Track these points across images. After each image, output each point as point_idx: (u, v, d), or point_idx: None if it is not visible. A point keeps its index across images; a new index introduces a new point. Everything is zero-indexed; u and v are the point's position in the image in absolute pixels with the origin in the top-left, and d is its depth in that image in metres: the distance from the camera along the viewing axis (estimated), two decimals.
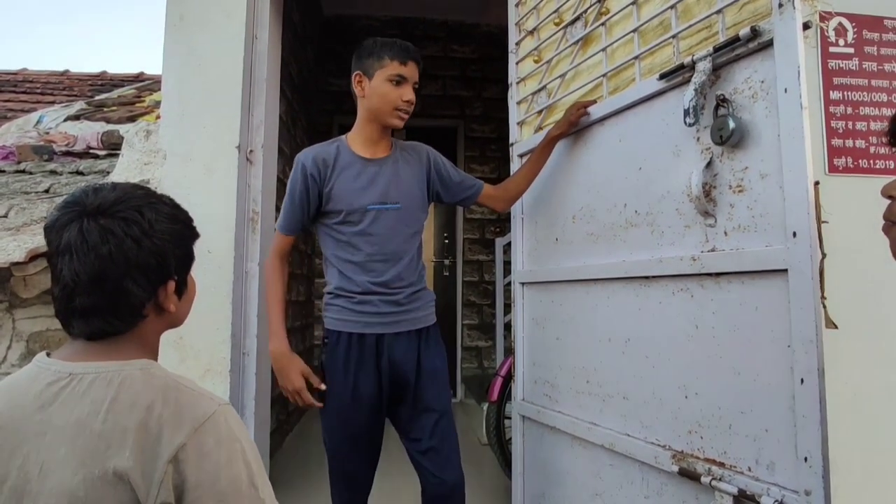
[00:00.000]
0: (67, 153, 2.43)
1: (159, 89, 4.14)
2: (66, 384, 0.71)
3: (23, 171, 2.19)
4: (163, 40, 1.87)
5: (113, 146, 2.50)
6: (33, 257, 1.46)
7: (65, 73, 4.96)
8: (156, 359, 0.80)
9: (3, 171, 2.19)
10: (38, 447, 0.69)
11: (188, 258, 0.86)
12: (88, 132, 2.65)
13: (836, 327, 1.73)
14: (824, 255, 1.78)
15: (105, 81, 4.72)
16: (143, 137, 1.85)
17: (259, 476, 0.74)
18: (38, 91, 4.36)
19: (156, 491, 0.66)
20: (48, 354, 0.76)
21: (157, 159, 1.82)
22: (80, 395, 0.70)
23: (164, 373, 0.75)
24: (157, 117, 3.03)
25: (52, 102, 3.89)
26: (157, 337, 0.82)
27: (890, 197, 0.91)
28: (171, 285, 0.79)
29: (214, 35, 1.89)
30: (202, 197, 1.76)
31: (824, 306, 1.74)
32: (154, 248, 0.76)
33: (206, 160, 1.82)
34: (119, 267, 0.74)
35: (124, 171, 1.83)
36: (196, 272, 1.74)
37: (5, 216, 1.68)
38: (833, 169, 1.91)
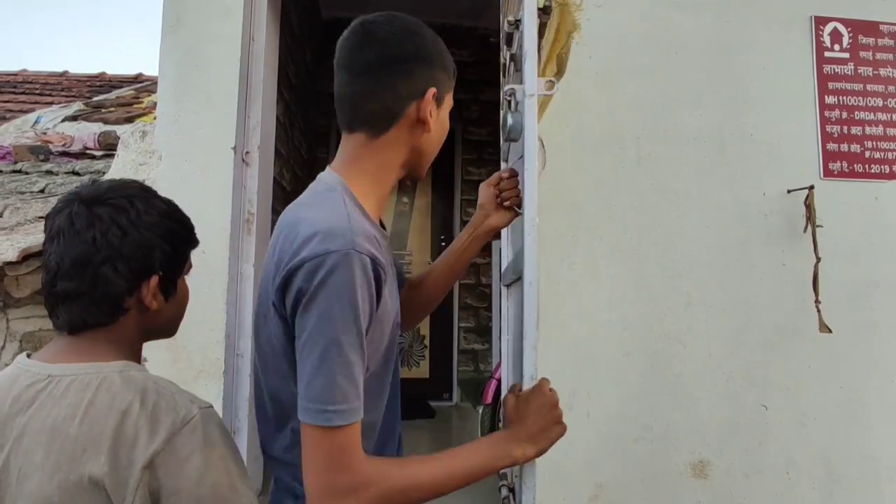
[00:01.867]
0: (64, 153, 2.44)
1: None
2: (44, 386, 0.70)
3: (19, 171, 2.19)
4: (159, 41, 1.88)
5: (109, 147, 2.51)
6: (26, 257, 1.46)
7: (64, 73, 4.97)
8: (138, 361, 0.78)
9: (0, 172, 2.20)
10: (17, 451, 0.68)
11: (179, 259, 0.83)
12: (85, 133, 2.65)
13: (829, 331, 1.73)
14: (819, 259, 1.78)
15: (104, 82, 4.72)
16: (139, 138, 1.85)
17: (240, 481, 0.71)
18: (37, 92, 4.37)
19: (131, 498, 0.65)
20: (28, 356, 0.75)
21: (152, 160, 1.82)
22: (57, 398, 0.69)
23: (145, 375, 0.74)
24: (155, 118, 3.04)
25: (51, 103, 3.89)
26: (139, 338, 0.80)
27: None
28: (155, 280, 0.77)
29: (211, 36, 1.89)
30: (197, 198, 1.76)
31: (818, 310, 1.75)
32: (140, 239, 0.75)
33: (202, 161, 1.82)
34: (101, 253, 0.73)
35: (119, 171, 1.83)
36: (191, 272, 1.72)
37: (0, 215, 1.68)
38: (828, 173, 1.92)
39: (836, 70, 1.99)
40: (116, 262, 0.73)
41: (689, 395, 1.76)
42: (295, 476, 0.73)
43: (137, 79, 4.74)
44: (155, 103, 3.76)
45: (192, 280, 1.92)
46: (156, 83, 5.02)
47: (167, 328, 0.85)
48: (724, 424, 1.76)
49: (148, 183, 1.79)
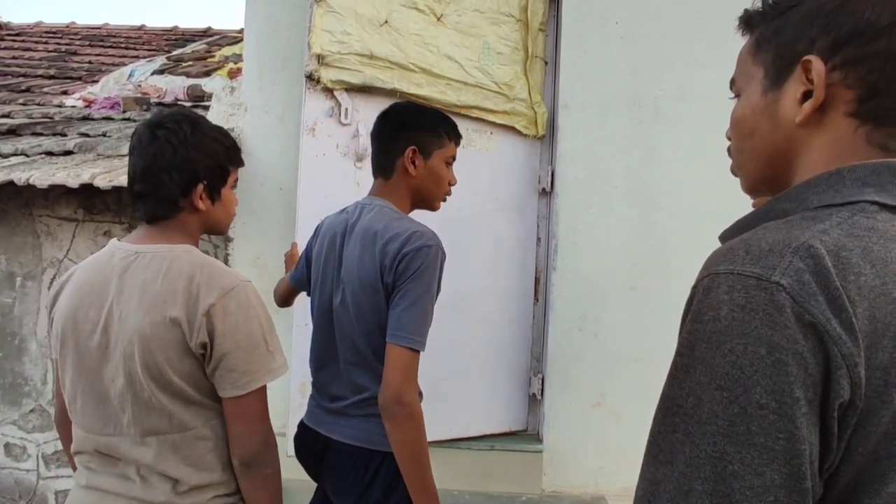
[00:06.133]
0: (160, 104, 2.85)
1: (226, 44, 4.53)
2: (134, 259, 0.98)
3: (128, 119, 2.61)
4: (244, 9, 2.20)
5: (196, 98, 2.90)
6: None
7: (141, 27, 5.41)
8: (196, 246, 1.04)
9: (112, 119, 2.63)
10: (119, 301, 0.95)
11: (220, 171, 1.04)
12: (174, 85, 3.05)
13: None
14: None
15: (178, 36, 5.14)
16: (229, 93, 2.21)
17: (270, 335, 0.99)
18: (122, 45, 4.82)
19: (196, 333, 0.93)
20: (119, 240, 1.04)
21: (239, 111, 2.18)
22: (144, 266, 0.97)
23: (202, 255, 1.00)
24: (228, 72, 3.41)
25: (136, 56, 4.33)
26: (197, 230, 1.05)
27: None
28: (201, 187, 1.00)
29: (285, 4, 2.20)
30: (277, 143, 2.12)
31: None
32: (186, 154, 0.97)
33: (279, 112, 2.17)
34: (159, 163, 0.96)
35: (213, 120, 2.20)
36: (270, 206, 2.21)
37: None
38: None
39: None
40: (171, 172, 0.97)
41: None
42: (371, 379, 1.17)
43: (207, 33, 5.13)
44: (225, 57, 4.14)
45: (271, 212, 2.43)
46: (224, 36, 5.39)
47: (217, 226, 1.09)
48: None
49: (235, 130, 2.17)
